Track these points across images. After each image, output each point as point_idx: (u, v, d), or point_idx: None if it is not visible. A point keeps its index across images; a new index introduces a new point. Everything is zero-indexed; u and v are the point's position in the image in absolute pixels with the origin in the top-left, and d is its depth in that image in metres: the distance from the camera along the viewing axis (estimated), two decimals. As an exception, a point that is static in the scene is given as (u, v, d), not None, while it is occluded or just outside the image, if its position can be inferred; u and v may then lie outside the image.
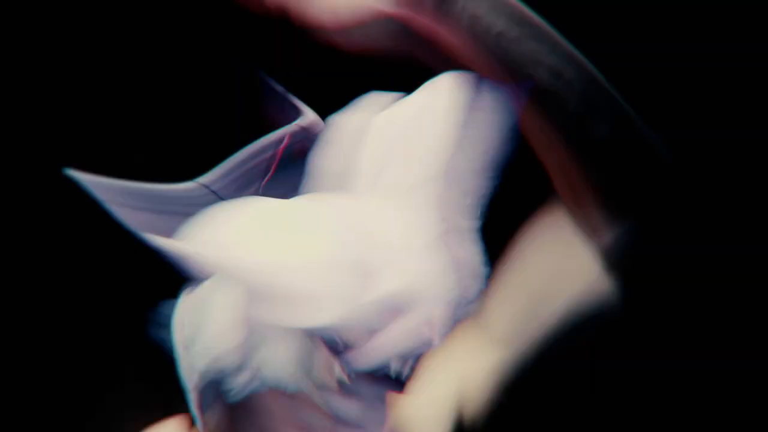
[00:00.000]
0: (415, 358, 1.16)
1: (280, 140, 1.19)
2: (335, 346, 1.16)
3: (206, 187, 1.16)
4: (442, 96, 1.15)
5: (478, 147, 1.14)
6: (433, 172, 1.16)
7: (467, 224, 1.15)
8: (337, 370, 1.18)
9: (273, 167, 1.18)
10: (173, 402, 1.16)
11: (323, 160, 1.16)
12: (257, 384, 1.16)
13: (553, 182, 1.17)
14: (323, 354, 1.17)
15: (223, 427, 1.22)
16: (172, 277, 1.13)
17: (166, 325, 1.16)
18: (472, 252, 1.15)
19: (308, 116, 1.23)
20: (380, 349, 1.15)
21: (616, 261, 1.14)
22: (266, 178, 1.18)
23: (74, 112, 1.67)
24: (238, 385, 1.14)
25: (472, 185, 1.15)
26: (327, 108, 1.19)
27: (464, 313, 1.15)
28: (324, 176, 1.16)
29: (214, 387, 1.17)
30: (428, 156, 1.15)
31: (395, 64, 1.19)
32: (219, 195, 1.17)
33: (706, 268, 1.59)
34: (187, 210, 1.14)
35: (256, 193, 1.16)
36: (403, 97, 1.17)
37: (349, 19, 1.15)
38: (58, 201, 1.60)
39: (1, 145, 1.86)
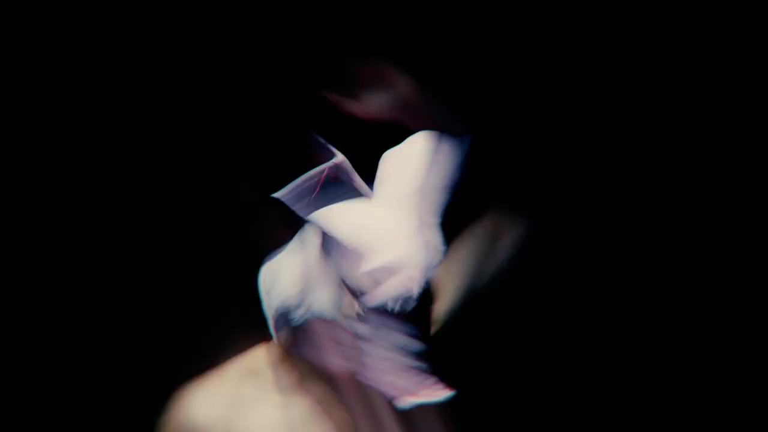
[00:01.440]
0: (403, 300, 1.63)
1: (322, 171, 1.70)
2: (356, 292, 1.62)
3: (280, 198, 1.69)
4: (419, 145, 1.69)
5: (440, 174, 1.66)
6: (415, 189, 1.66)
7: (434, 221, 1.66)
8: (357, 307, 1.64)
9: (318, 188, 1.70)
10: (262, 326, 1.67)
11: (355, 182, 1.66)
12: (309, 315, 1.61)
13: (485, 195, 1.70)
14: (348, 297, 1.63)
15: (289, 341, 1.67)
16: (261, 254, 1.66)
17: (257, 280, 1.66)
18: (436, 237, 1.66)
19: (339, 157, 1.71)
20: (382, 294, 1.62)
21: (522, 242, 1.69)
22: (314, 194, 1.69)
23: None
24: (298, 315, 1.62)
25: (436, 197, 1.67)
26: (354, 153, 1.70)
27: (432, 273, 1.65)
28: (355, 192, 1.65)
29: (284, 316, 1.63)
30: (412, 179, 1.67)
31: (393, 126, 1.72)
32: (287, 203, 1.68)
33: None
34: None
35: (309, 204, 1.66)
36: (395, 145, 1.70)
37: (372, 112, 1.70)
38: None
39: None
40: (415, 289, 1.65)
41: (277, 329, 1.68)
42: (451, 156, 1.68)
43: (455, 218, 1.72)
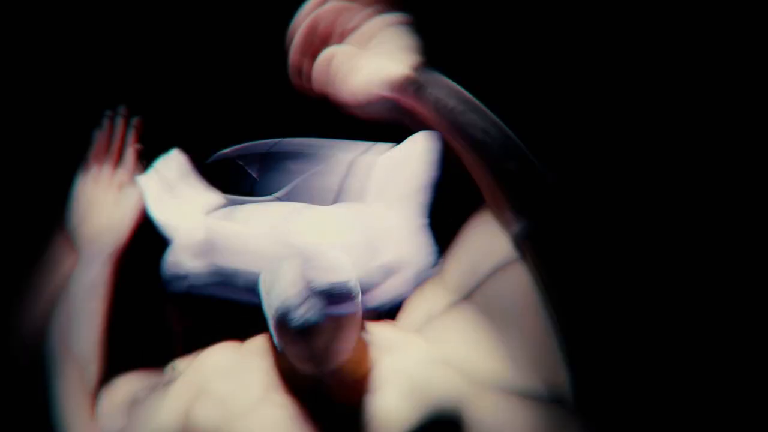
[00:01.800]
0: (400, 301, 1.69)
1: (317, 173, 1.73)
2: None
3: (279, 199, 1.75)
4: (418, 145, 1.71)
5: (438, 175, 1.70)
6: (415, 189, 1.68)
7: (431, 221, 1.68)
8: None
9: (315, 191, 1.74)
10: (261, 326, 1.69)
11: (350, 183, 1.70)
12: (309, 315, 1.61)
13: (483, 195, 1.70)
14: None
15: (288, 341, 1.66)
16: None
17: (257, 283, 1.67)
18: (431, 238, 1.68)
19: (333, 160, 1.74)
20: (382, 294, 1.65)
21: (520, 241, 1.69)
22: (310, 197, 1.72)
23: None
24: (298, 315, 1.62)
25: (435, 197, 1.69)
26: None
27: (428, 274, 1.68)
28: (350, 193, 1.70)
29: (284, 316, 1.62)
30: (412, 179, 1.69)
31: (390, 125, 1.72)
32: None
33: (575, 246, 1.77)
34: None
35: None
36: (394, 146, 1.73)
37: (363, 99, 1.69)
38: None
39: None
40: (413, 290, 1.68)
41: (276, 329, 1.67)
42: (450, 158, 1.69)
43: (452, 218, 1.73)
